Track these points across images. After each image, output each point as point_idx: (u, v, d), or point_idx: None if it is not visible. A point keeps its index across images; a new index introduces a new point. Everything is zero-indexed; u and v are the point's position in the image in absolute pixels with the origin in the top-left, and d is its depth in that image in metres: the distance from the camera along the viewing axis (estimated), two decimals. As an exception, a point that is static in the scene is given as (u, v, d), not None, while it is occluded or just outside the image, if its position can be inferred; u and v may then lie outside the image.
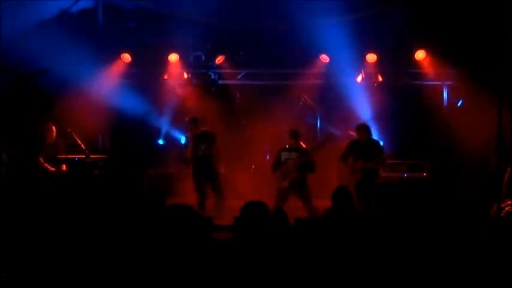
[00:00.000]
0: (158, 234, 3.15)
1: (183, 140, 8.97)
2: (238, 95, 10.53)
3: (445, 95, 9.97)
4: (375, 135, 8.70)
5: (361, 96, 9.87)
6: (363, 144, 7.86)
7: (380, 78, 9.94)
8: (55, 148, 8.31)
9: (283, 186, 7.78)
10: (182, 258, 3.07)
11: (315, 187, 7.92)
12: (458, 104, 9.75)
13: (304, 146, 7.96)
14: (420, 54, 9.58)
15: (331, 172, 9.53)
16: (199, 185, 8.10)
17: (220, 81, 10.33)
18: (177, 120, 10.14)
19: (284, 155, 7.88)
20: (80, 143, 8.19)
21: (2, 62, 7.83)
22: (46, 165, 8.12)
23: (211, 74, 10.15)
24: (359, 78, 10.08)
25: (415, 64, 9.80)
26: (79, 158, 8.11)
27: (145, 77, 10.07)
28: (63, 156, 8.18)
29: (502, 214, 5.88)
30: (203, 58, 9.83)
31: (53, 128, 8.39)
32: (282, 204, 7.71)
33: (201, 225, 3.24)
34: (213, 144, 8.09)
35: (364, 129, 7.92)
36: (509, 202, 6.08)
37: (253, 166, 10.13)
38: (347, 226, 4.19)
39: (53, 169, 8.14)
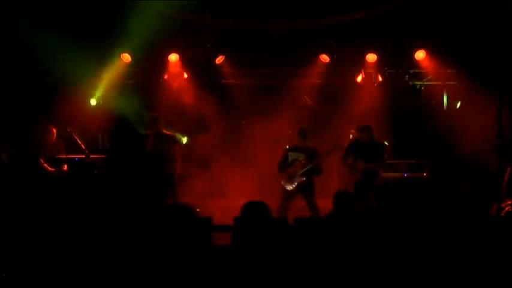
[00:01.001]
0: (158, 234, 3.16)
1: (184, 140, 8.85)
2: (238, 95, 10.52)
3: (445, 95, 9.97)
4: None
5: (361, 96, 9.89)
6: (365, 144, 7.85)
7: (380, 78, 9.94)
8: (55, 150, 8.31)
9: (290, 188, 7.74)
10: (182, 258, 3.07)
11: (316, 187, 7.92)
12: (457, 106, 9.73)
13: (311, 146, 7.90)
14: (420, 54, 9.57)
15: (332, 172, 9.53)
16: (149, 185, 7.93)
17: (220, 81, 10.33)
18: (176, 121, 10.13)
19: (291, 155, 7.81)
20: (80, 143, 8.20)
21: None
22: (46, 165, 8.12)
23: (211, 73, 10.17)
24: (359, 78, 10.09)
25: (415, 64, 9.80)
26: (79, 158, 8.12)
27: (145, 77, 10.07)
28: (63, 156, 8.19)
29: (502, 214, 5.88)
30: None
31: (54, 130, 8.40)
32: (286, 204, 7.69)
33: (200, 225, 3.24)
34: (172, 144, 7.99)
35: (367, 130, 7.91)
36: (509, 202, 6.08)
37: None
38: (347, 227, 4.19)
39: (53, 169, 8.14)
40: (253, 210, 3.58)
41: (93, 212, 6.11)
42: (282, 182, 7.79)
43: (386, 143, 8.30)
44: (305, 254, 3.68)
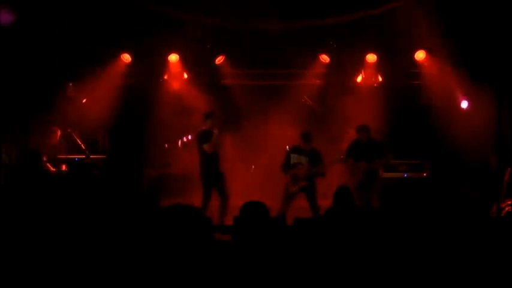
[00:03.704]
0: (155, 235, 3.16)
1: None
2: (238, 95, 10.52)
3: (444, 95, 9.96)
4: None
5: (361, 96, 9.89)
6: (363, 144, 7.85)
7: (380, 78, 9.94)
8: (57, 151, 8.32)
9: (292, 190, 7.71)
10: (181, 258, 3.07)
11: (317, 187, 7.91)
12: (464, 106, 9.69)
13: (315, 148, 7.86)
14: (420, 54, 9.58)
15: (333, 173, 9.52)
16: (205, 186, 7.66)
17: (220, 81, 10.33)
18: (177, 121, 10.15)
19: (294, 158, 7.72)
20: (80, 143, 8.20)
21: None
22: (48, 165, 8.12)
23: (211, 74, 10.18)
24: (359, 78, 10.08)
25: (415, 64, 9.80)
26: (79, 158, 8.12)
27: (145, 77, 10.07)
28: (63, 156, 8.20)
29: (502, 214, 5.89)
30: None
31: (58, 131, 8.41)
32: (287, 203, 7.68)
33: (201, 225, 3.24)
34: (217, 141, 7.68)
35: (364, 129, 7.91)
36: (509, 202, 6.09)
37: (253, 166, 10.12)
38: (347, 225, 4.19)
39: (54, 169, 8.14)
40: (252, 210, 3.58)
41: (93, 212, 6.11)
42: (286, 183, 7.75)
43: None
44: (305, 253, 3.68)
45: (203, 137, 7.61)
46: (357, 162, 7.82)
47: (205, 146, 7.53)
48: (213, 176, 7.67)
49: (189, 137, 9.94)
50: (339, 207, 4.94)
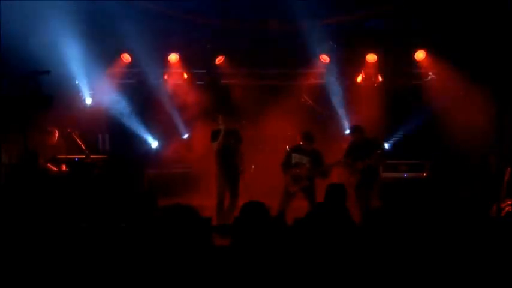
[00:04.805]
0: (154, 234, 3.16)
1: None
2: (238, 95, 10.52)
3: (445, 95, 9.96)
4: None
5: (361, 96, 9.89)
6: (359, 144, 7.86)
7: (380, 78, 9.94)
8: (56, 151, 8.32)
9: (292, 190, 7.71)
10: (180, 258, 3.07)
11: (317, 187, 7.91)
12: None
13: (317, 149, 7.86)
14: (420, 54, 9.58)
15: (332, 173, 9.51)
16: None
17: (220, 81, 10.33)
18: (177, 121, 10.15)
19: (295, 157, 7.73)
20: (80, 143, 8.20)
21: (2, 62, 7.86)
22: (48, 165, 8.11)
23: (211, 74, 10.18)
24: (359, 78, 10.08)
25: (415, 64, 9.79)
26: (79, 158, 8.12)
27: (145, 77, 10.07)
28: (63, 156, 8.20)
29: (502, 214, 5.89)
30: None
31: (55, 131, 8.41)
32: (287, 202, 7.68)
33: (200, 225, 3.24)
34: (239, 140, 7.92)
35: (358, 130, 7.92)
36: (509, 202, 6.08)
37: (253, 166, 10.11)
38: (341, 224, 4.18)
39: (55, 169, 8.14)
40: (252, 210, 3.58)
41: (93, 212, 6.11)
42: (285, 183, 7.76)
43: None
44: (304, 253, 3.67)
45: (212, 136, 7.80)
46: (355, 162, 7.83)
47: (213, 145, 7.73)
48: (225, 172, 7.78)
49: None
50: (330, 203, 4.95)
